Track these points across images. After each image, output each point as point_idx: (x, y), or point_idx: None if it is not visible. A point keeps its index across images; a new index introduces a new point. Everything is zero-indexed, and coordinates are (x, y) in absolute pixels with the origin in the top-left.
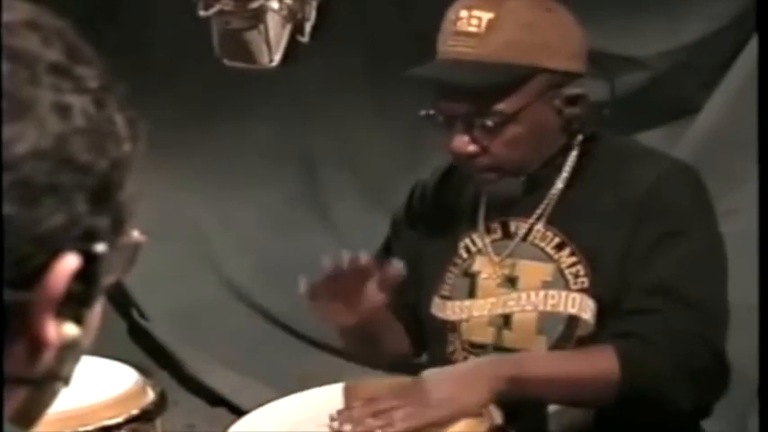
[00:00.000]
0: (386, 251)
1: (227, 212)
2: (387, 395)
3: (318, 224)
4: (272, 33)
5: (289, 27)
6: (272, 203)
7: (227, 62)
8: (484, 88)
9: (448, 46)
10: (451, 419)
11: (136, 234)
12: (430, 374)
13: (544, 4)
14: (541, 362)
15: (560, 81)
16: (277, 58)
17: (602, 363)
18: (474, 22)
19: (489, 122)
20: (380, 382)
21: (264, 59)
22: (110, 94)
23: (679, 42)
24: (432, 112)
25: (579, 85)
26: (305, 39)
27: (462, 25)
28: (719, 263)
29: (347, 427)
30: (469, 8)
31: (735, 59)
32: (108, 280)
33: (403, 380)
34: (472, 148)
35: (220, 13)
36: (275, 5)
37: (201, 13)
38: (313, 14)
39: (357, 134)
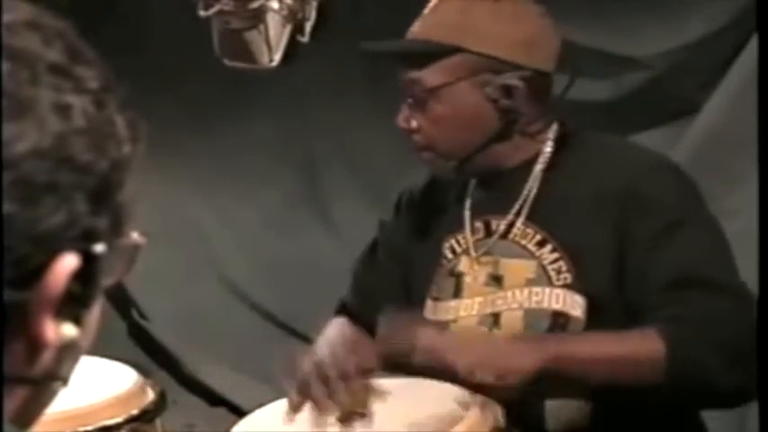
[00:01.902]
0: (371, 255)
1: (227, 212)
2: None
3: (318, 224)
4: (272, 33)
5: (289, 27)
6: (272, 203)
7: (227, 62)
8: (402, 56)
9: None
10: (493, 375)
11: (135, 236)
12: (480, 333)
13: None
14: (584, 341)
15: (493, 68)
16: (277, 58)
17: (646, 344)
18: (429, 5)
19: (410, 96)
20: None
21: (264, 59)
22: (110, 95)
23: (679, 42)
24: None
25: (516, 77)
26: (305, 39)
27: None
28: (723, 240)
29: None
30: None
31: (735, 59)
32: (107, 281)
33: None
34: (409, 123)
35: (220, 13)
36: (275, 5)
37: (201, 13)
38: (313, 14)
39: (357, 134)
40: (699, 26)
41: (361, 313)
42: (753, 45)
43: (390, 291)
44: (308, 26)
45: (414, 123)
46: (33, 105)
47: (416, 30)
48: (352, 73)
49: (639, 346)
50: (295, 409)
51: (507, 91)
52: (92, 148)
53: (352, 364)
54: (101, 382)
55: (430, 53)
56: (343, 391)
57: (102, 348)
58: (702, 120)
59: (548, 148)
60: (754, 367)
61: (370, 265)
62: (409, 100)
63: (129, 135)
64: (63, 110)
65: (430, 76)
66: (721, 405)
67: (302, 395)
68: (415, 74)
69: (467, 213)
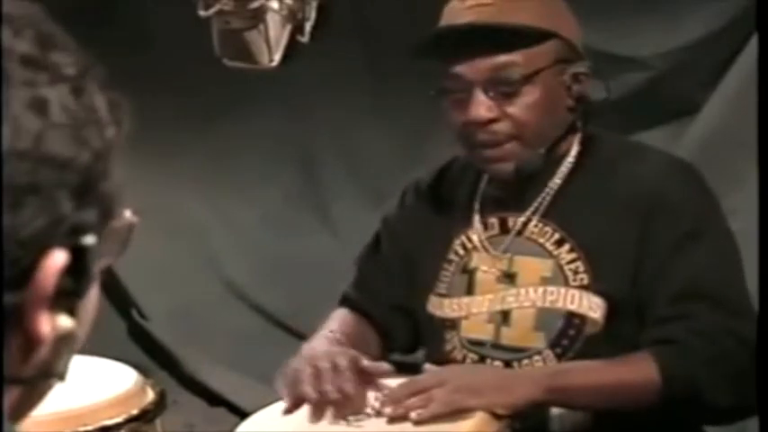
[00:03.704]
0: (375, 248)
1: (226, 212)
2: (428, 377)
3: (318, 224)
4: (272, 33)
5: (289, 27)
6: (271, 203)
7: (227, 62)
8: (510, 36)
9: (460, 19)
10: (482, 410)
11: (127, 215)
12: (474, 367)
13: None
14: (580, 371)
15: (569, 56)
16: (277, 58)
17: (641, 369)
18: None
19: (497, 82)
20: None
21: (264, 59)
22: (88, 78)
23: (679, 42)
24: (444, 87)
25: (583, 66)
26: (305, 39)
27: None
28: (737, 256)
29: (387, 408)
30: None
31: (735, 59)
32: (102, 263)
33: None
34: (492, 112)
35: (220, 12)
36: (275, 5)
37: (201, 13)
38: (313, 14)
39: (357, 134)
40: (698, 26)
41: (363, 307)
42: (752, 45)
43: (393, 285)
44: (308, 26)
45: (495, 112)
46: (7, 105)
47: (498, 13)
48: (352, 73)
49: (634, 373)
50: (291, 409)
51: (576, 79)
52: (72, 142)
53: (346, 358)
54: (101, 382)
55: (530, 37)
56: (335, 387)
57: (102, 348)
58: (702, 119)
59: (575, 147)
60: (753, 384)
61: (373, 259)
62: (489, 90)
63: (111, 118)
64: (39, 105)
65: (527, 60)
66: (721, 422)
67: (295, 393)
68: (509, 58)
69: (479, 209)
